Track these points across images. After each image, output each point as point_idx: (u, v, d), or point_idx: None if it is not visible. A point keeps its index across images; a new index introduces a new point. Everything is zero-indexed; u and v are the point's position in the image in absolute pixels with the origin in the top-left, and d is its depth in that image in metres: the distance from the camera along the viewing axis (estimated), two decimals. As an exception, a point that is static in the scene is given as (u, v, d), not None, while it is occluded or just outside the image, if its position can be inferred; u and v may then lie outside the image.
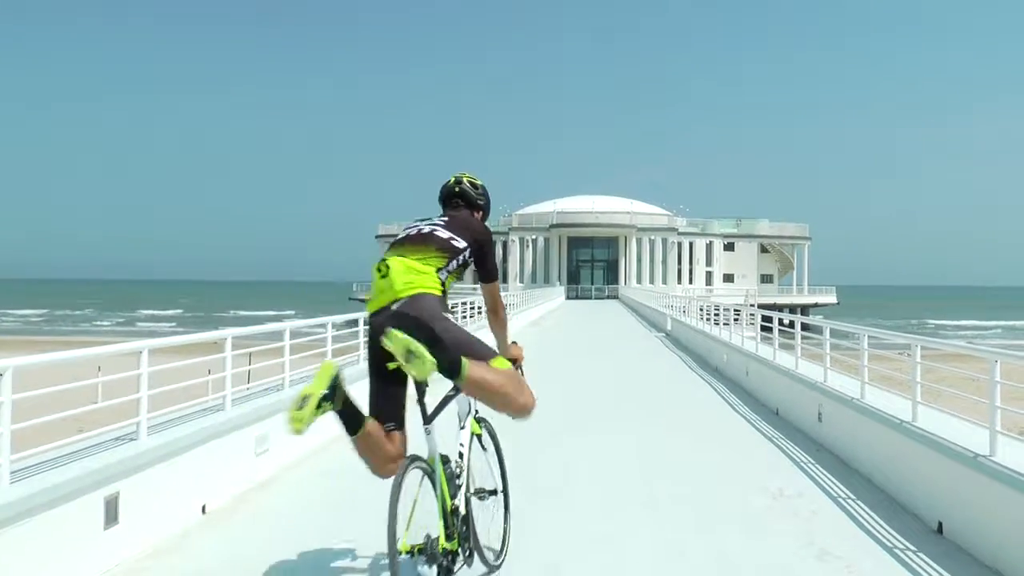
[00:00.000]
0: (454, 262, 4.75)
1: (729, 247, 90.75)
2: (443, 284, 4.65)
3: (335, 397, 4.53)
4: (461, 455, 4.86)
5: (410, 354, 3.98)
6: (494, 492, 5.31)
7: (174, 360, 7.76)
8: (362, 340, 12.19)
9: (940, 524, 6.73)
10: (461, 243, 4.84)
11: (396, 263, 4.59)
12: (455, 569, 4.59)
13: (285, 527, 6.80)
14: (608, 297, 77.14)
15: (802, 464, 9.21)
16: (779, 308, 66.24)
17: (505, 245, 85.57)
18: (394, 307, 4.47)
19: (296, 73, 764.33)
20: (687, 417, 12.50)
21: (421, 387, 4.49)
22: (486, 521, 5.31)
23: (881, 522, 7.00)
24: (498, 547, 5.46)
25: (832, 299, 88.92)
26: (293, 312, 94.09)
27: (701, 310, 25.05)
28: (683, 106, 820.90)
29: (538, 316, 41.11)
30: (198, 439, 7.00)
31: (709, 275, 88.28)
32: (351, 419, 4.67)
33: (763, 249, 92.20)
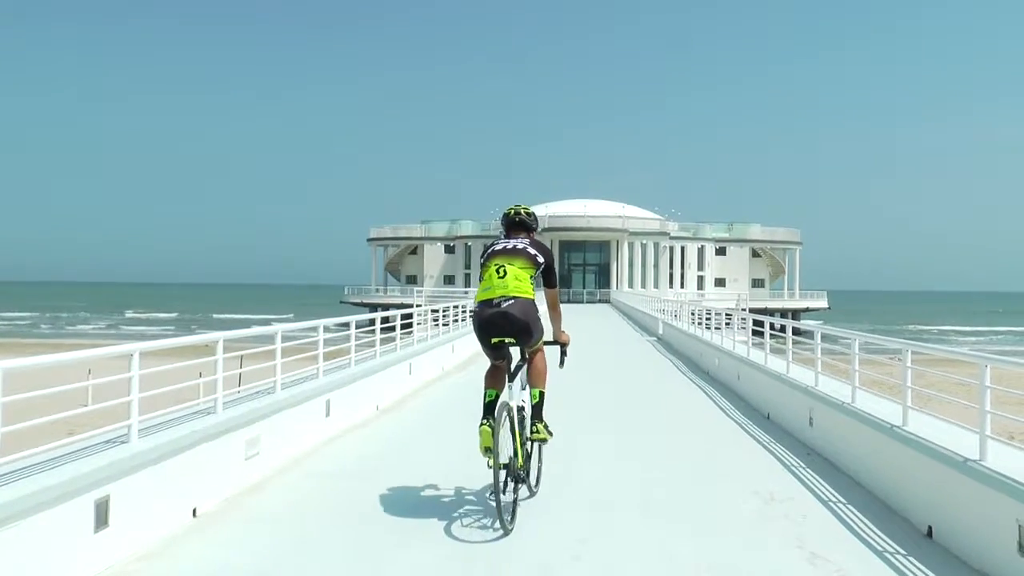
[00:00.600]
0: (538, 273, 6.98)
1: (721, 251, 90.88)
2: (524, 288, 6.73)
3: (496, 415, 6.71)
4: (522, 409, 6.94)
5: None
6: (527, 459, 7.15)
7: (166, 363, 7.74)
8: (353, 344, 12.23)
9: (930, 528, 6.75)
10: (540, 259, 6.96)
11: (510, 269, 6.75)
12: (522, 483, 6.89)
13: (276, 530, 6.79)
14: (599, 301, 77.04)
15: (793, 468, 9.23)
16: (770, 313, 66.30)
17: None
18: (503, 305, 6.62)
19: (290, 75, 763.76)
20: (679, 421, 12.52)
21: (510, 358, 7.01)
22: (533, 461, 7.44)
23: (872, 526, 7.02)
24: (534, 480, 7.47)
25: (824, 303, 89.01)
26: (292, 315, 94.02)
27: (693, 314, 25.05)
28: (676, 110, 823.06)
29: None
30: (189, 442, 6.98)
31: (701, 279, 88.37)
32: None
33: (755, 253, 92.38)
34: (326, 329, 11.04)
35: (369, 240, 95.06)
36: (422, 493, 7.91)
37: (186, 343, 8.01)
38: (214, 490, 7.42)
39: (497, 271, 6.75)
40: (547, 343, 7.22)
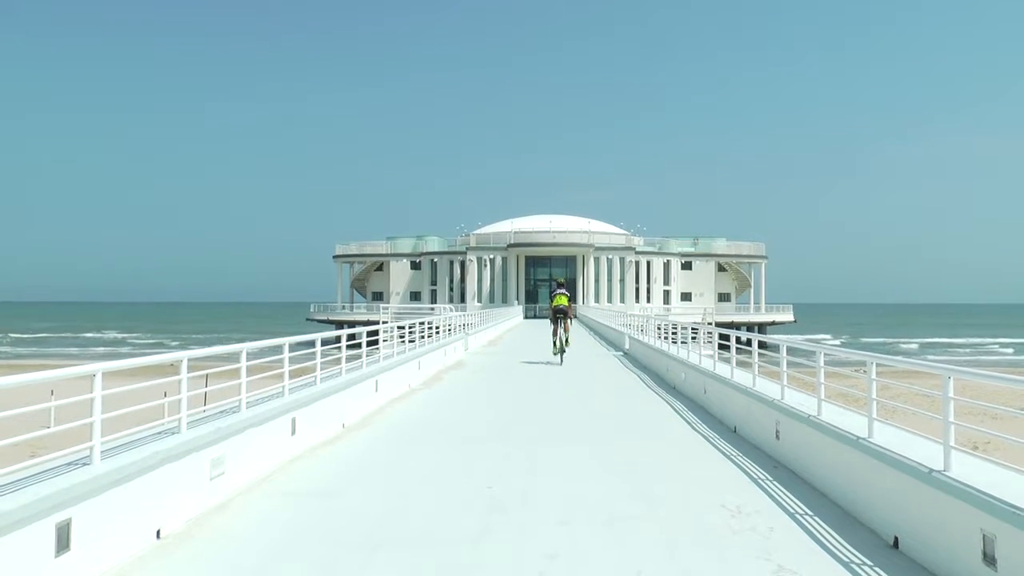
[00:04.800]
0: (570, 298, 26.12)
1: (686, 266, 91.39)
2: (567, 303, 25.63)
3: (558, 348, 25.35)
4: (564, 333, 25.31)
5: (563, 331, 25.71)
6: (566, 342, 25.53)
7: (129, 383, 7.64)
8: (319, 362, 12.15)
9: (896, 539, 6.81)
10: (568, 295, 26.11)
11: (562, 297, 25.60)
12: (562, 354, 25.23)
13: (241, 550, 6.72)
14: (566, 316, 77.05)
15: (760, 481, 9.27)
16: (736, 326, 66.63)
17: (463, 265, 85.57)
18: (559, 306, 25.43)
19: (253, 92, 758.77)
20: (646, 436, 12.53)
21: (559, 322, 25.51)
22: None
23: (838, 537, 7.06)
24: (564, 359, 25.22)
25: (789, 317, 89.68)
26: (257, 334, 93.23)
27: (659, 329, 25.16)
28: (641, 126, 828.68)
29: (495, 336, 41.13)
30: (152, 463, 6.89)
31: (667, 294, 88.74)
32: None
33: (720, 268, 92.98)
34: (291, 347, 10.97)
35: (335, 257, 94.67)
36: (389, 511, 7.86)
37: (150, 363, 7.90)
38: (178, 511, 7.32)
39: (560, 297, 25.51)
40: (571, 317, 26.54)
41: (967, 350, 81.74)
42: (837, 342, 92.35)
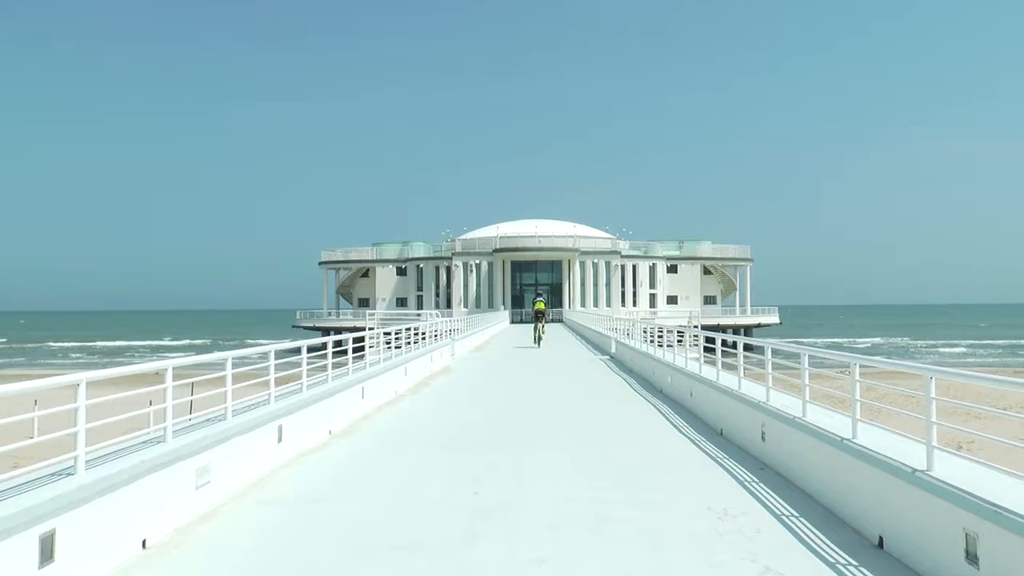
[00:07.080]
0: (546, 303, 39.90)
1: (672, 269, 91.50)
2: (545, 307, 38.97)
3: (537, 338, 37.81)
4: (542, 327, 37.99)
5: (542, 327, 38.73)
6: (543, 332, 38.23)
7: (114, 392, 7.60)
8: (304, 369, 12.13)
9: (880, 538, 6.85)
10: (545, 300, 39.89)
11: (541, 303, 38.69)
12: (539, 343, 36.91)
13: (227, 560, 6.70)
14: (552, 320, 76.98)
15: (746, 483, 9.30)
16: (722, 329, 66.62)
17: (449, 270, 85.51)
18: (540, 309, 38.51)
19: (237, 96, 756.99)
20: (633, 439, 12.55)
21: (539, 321, 38.12)
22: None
23: (823, 538, 7.10)
24: (542, 345, 36.46)
25: (775, 319, 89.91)
26: (246, 342, 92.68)
27: (645, 332, 25.18)
28: (626, 130, 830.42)
29: (482, 341, 41.10)
30: (138, 472, 6.87)
31: (653, 297, 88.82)
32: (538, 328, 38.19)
33: (706, 271, 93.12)
34: (277, 354, 10.94)
35: (320, 263, 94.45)
36: (376, 518, 7.86)
37: (134, 371, 7.88)
38: (164, 520, 7.30)
39: (539, 303, 38.41)
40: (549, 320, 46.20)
41: (1000, 351, 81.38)
42: (869, 343, 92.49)
